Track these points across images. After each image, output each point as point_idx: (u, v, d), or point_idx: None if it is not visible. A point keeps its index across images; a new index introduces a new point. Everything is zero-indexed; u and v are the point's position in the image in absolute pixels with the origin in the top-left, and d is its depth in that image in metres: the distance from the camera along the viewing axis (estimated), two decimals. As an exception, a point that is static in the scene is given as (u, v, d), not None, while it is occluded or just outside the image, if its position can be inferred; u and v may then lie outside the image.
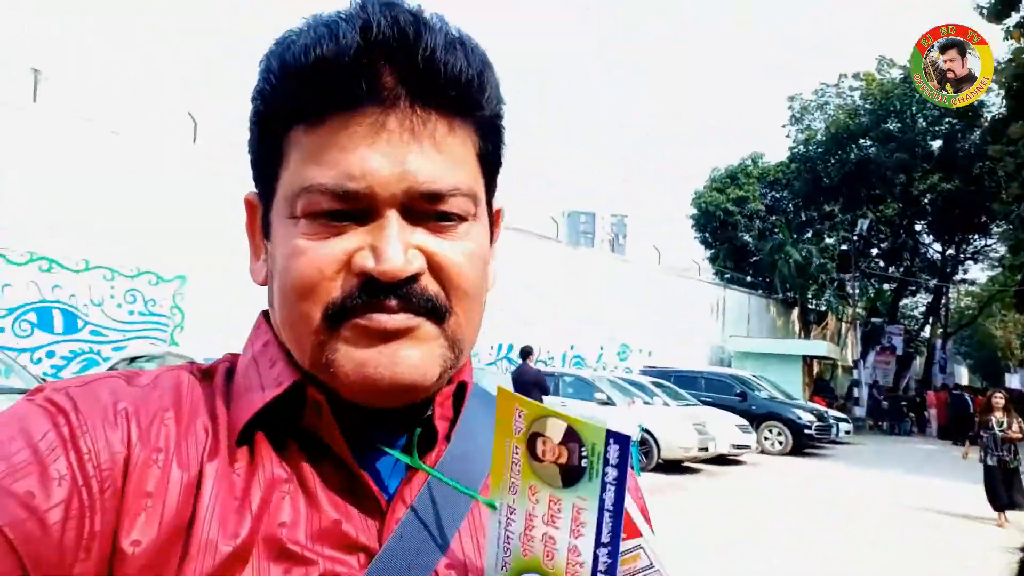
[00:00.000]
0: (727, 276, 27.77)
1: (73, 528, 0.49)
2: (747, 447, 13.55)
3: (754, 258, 30.21)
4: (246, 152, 0.62)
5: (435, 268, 0.56)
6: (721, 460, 13.14)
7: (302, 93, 0.54)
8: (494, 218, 0.66)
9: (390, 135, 0.54)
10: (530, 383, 9.38)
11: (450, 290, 0.57)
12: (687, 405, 13.88)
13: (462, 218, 0.58)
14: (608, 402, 12.15)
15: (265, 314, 0.64)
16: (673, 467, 11.98)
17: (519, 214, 18.15)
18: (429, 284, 0.56)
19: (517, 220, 17.10)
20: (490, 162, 0.62)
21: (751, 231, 31.40)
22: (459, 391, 0.63)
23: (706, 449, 12.16)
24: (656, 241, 30.62)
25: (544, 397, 9.31)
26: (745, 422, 14.02)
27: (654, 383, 14.25)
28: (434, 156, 0.55)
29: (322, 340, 0.55)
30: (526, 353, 10.04)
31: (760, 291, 28.15)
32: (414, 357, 0.55)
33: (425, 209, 0.56)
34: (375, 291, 0.54)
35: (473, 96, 0.57)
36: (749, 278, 29.16)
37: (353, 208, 0.54)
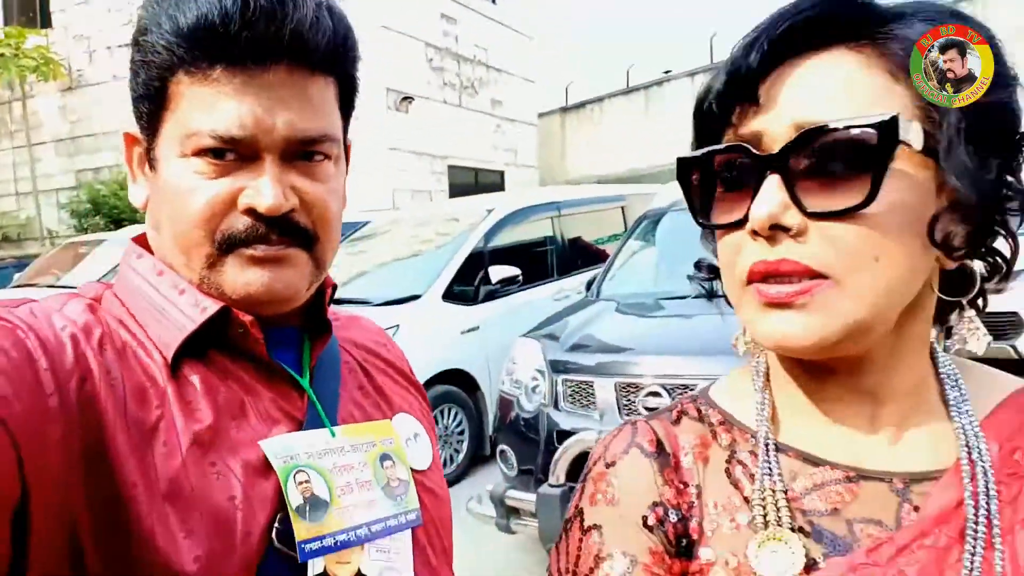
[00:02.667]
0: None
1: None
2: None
3: None
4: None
5: (306, 204, 0.67)
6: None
7: (194, 49, 0.62)
8: (347, 151, 0.76)
9: (270, 90, 0.63)
10: None
11: (318, 222, 0.68)
12: None
13: (327, 158, 0.69)
14: None
15: (138, 240, 0.73)
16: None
17: None
18: (301, 218, 0.67)
19: None
20: (348, 109, 0.73)
21: None
22: (328, 293, 0.76)
23: None
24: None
25: None
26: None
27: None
28: (307, 108, 0.65)
29: (212, 263, 0.66)
30: None
31: None
32: (288, 277, 0.67)
33: (298, 152, 0.66)
34: (258, 224, 0.65)
35: (338, 56, 0.68)
36: None
37: (237, 150, 0.64)
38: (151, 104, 0.66)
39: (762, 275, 0.51)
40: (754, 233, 0.51)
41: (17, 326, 0.59)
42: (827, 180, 0.49)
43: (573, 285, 5.33)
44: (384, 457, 0.73)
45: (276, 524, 0.63)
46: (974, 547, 0.49)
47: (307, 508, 0.64)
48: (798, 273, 0.49)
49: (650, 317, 3.94)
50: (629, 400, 3.09)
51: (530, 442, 3.31)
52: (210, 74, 0.62)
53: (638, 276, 4.58)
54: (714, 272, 0.59)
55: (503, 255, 5.61)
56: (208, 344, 0.67)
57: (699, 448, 0.59)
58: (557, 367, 3.36)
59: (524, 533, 3.26)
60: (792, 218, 0.49)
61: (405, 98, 10.36)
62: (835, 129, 0.48)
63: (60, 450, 0.55)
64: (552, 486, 3.00)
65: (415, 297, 4.88)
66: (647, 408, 3.03)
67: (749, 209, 0.50)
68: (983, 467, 0.51)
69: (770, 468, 0.55)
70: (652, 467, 0.59)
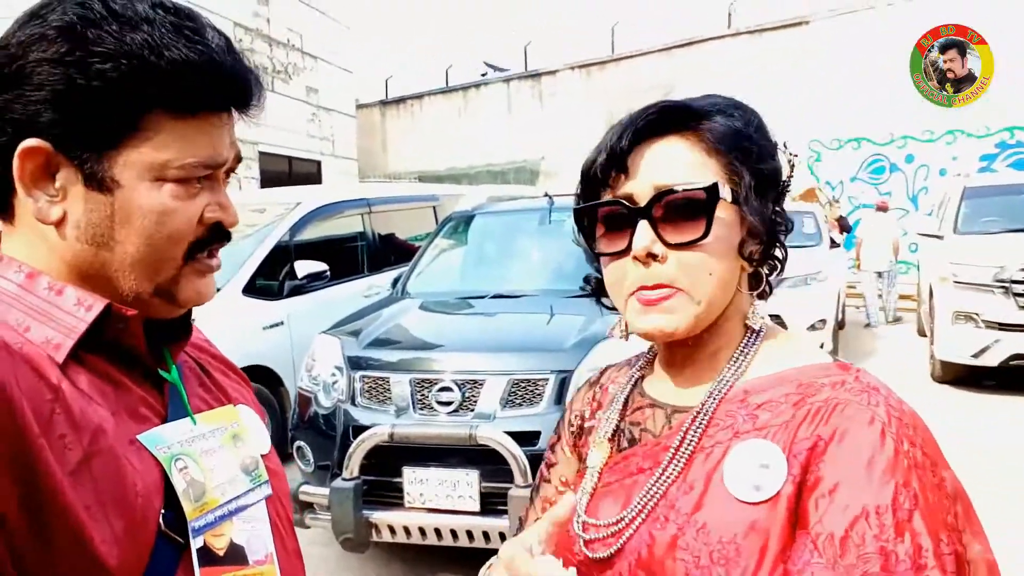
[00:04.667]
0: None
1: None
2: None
3: None
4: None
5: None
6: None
7: (187, 92, 0.71)
8: None
9: (228, 128, 0.77)
10: None
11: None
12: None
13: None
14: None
15: None
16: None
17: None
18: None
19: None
20: None
21: None
22: None
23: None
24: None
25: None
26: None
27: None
28: (233, 136, 0.80)
29: (177, 268, 0.75)
30: None
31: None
32: (214, 285, 0.83)
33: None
34: (219, 236, 0.78)
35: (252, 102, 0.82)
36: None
37: (209, 175, 0.76)
38: (110, 126, 0.69)
39: (641, 288, 0.76)
40: (635, 259, 0.76)
41: None
42: (677, 223, 0.75)
43: (384, 281, 5.38)
44: (235, 437, 0.84)
45: (163, 511, 0.70)
46: (672, 456, 0.77)
47: (190, 491, 0.74)
48: (663, 286, 0.75)
49: (453, 314, 4.12)
50: (423, 395, 3.22)
51: (327, 438, 3.33)
52: (194, 115, 0.73)
53: (444, 275, 4.74)
54: (599, 284, 0.85)
55: (311, 249, 5.53)
56: (86, 345, 0.70)
57: (616, 384, 0.93)
58: (355, 363, 3.42)
59: (318, 527, 3.29)
60: (658, 248, 0.75)
61: (211, 78, 9.74)
62: (680, 190, 0.75)
63: None
64: (345, 480, 3.07)
65: (213, 291, 4.68)
66: (439, 402, 3.19)
67: (630, 244, 0.76)
68: (707, 409, 0.77)
69: (619, 402, 0.88)
70: (588, 391, 0.96)
